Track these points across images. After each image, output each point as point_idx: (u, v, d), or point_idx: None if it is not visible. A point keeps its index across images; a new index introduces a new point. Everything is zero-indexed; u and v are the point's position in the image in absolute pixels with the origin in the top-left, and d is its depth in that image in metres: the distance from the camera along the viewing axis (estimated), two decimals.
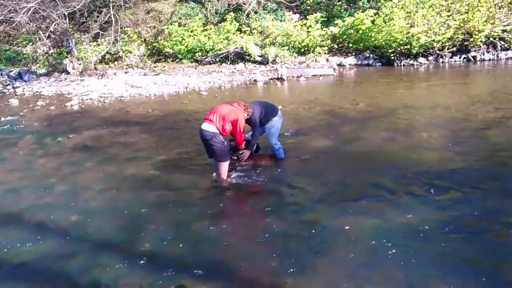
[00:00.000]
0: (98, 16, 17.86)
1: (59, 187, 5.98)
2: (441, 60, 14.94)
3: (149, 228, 4.72)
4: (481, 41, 14.54)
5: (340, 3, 18.12)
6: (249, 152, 6.18)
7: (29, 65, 17.07)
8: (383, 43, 14.88)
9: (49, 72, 16.62)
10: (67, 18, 17.64)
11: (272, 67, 15.50)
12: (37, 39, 17.47)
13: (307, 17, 16.58)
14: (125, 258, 4.15)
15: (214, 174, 5.95)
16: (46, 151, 7.75)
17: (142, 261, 4.08)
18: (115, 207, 5.28)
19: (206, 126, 5.62)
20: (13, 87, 15.00)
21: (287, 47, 16.30)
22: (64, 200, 5.57)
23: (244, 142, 6.07)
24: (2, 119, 10.51)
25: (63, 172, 6.55)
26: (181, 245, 4.33)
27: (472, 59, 14.79)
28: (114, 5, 17.63)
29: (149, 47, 17.95)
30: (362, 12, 15.61)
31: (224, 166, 5.74)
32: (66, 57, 16.85)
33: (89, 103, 12.08)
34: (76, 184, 6.07)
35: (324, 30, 16.23)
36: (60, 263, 4.14)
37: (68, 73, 16.31)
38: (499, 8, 15.00)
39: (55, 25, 17.22)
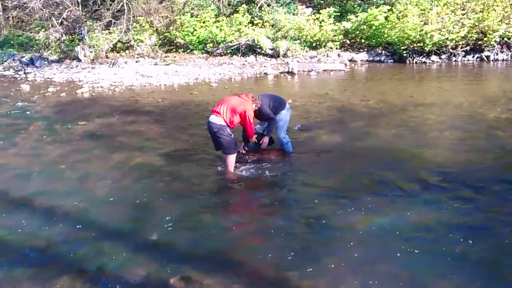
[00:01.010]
0: (111, 4, 17.86)
1: (67, 174, 6.03)
2: (454, 58, 14.78)
3: (155, 217, 4.74)
4: (495, 41, 14.36)
5: None
6: (268, 138, 6.15)
7: (41, 51, 17.18)
8: (396, 39, 14.75)
9: (61, 59, 16.73)
10: (80, 5, 17.71)
11: (283, 60, 15.44)
12: (50, 25, 17.56)
13: (320, 11, 16.49)
14: (131, 246, 4.18)
15: (220, 166, 5.96)
16: (56, 137, 7.80)
17: (147, 250, 4.10)
18: (122, 196, 5.31)
19: (214, 119, 5.61)
20: (24, 73, 15.15)
21: (298, 41, 16.22)
22: (72, 187, 5.61)
23: (255, 136, 6.04)
24: (15, 104, 10.59)
25: (72, 159, 6.59)
26: (186, 236, 4.35)
27: (485, 58, 14.60)
28: None
29: (160, 37, 17.96)
30: (376, 8, 15.48)
31: (231, 158, 5.74)
32: (78, 44, 16.93)
33: (100, 91, 12.14)
34: (85, 171, 6.11)
35: (337, 25, 16.12)
36: (66, 249, 4.18)
37: (79, 60, 16.40)
38: None
39: (68, 12, 17.28)
